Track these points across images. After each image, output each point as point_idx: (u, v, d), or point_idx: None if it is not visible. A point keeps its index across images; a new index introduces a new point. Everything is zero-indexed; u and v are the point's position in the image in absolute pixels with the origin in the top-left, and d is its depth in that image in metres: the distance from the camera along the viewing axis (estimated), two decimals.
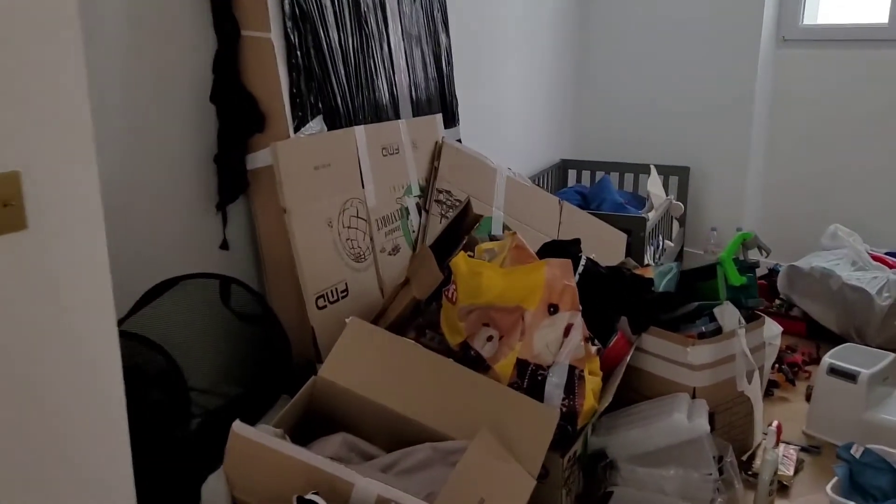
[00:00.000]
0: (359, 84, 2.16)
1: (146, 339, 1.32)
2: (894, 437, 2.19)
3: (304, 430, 1.63)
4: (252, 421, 1.53)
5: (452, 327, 1.79)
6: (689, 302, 2.13)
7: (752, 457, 2.16)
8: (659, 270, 2.30)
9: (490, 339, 1.77)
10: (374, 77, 2.23)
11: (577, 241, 2.12)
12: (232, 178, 1.94)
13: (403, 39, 2.37)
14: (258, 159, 1.95)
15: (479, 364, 1.75)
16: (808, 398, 2.58)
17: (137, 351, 1.27)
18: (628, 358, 1.94)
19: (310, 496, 1.25)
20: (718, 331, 2.06)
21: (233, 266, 1.95)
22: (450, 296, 1.77)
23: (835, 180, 3.56)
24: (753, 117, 3.61)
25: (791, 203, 3.67)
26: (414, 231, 2.28)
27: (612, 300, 2.06)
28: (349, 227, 2.03)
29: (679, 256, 3.63)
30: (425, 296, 1.77)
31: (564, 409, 1.72)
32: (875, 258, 2.98)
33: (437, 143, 2.42)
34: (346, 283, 2.00)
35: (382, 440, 1.63)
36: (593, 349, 1.83)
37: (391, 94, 2.32)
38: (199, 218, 1.88)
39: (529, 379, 1.72)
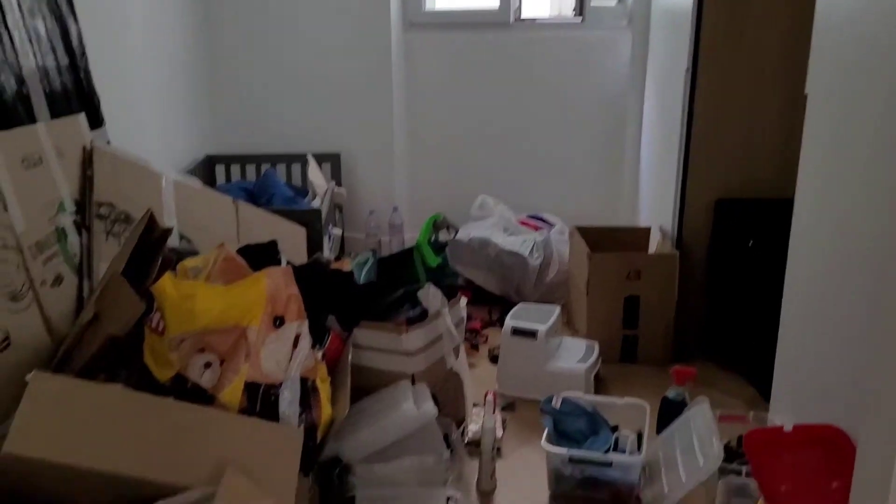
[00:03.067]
0: None
1: None
2: (571, 381, 2.46)
3: None
4: None
5: (161, 361, 1.54)
6: (390, 290, 2.13)
7: (465, 427, 2.26)
8: (356, 262, 2.26)
9: (208, 365, 1.56)
10: None
11: (273, 243, 1.99)
12: None
13: (25, 26, 1.97)
14: None
15: (199, 397, 1.54)
16: (492, 360, 2.78)
17: None
18: (350, 357, 1.88)
19: None
20: (424, 313, 2.09)
21: None
22: (154, 326, 1.52)
23: (475, 153, 3.85)
24: (393, 100, 3.73)
25: (438, 178, 3.89)
26: (76, 255, 1.92)
27: (318, 300, 1.97)
28: None
29: (342, 242, 3.64)
30: (124, 331, 1.49)
31: (303, 425, 1.60)
32: (521, 223, 3.31)
33: (84, 147, 2.06)
34: (6, 331, 1.61)
35: None
36: (319, 355, 1.74)
37: (20, 92, 1.91)
38: None
39: (262, 401, 1.56)
